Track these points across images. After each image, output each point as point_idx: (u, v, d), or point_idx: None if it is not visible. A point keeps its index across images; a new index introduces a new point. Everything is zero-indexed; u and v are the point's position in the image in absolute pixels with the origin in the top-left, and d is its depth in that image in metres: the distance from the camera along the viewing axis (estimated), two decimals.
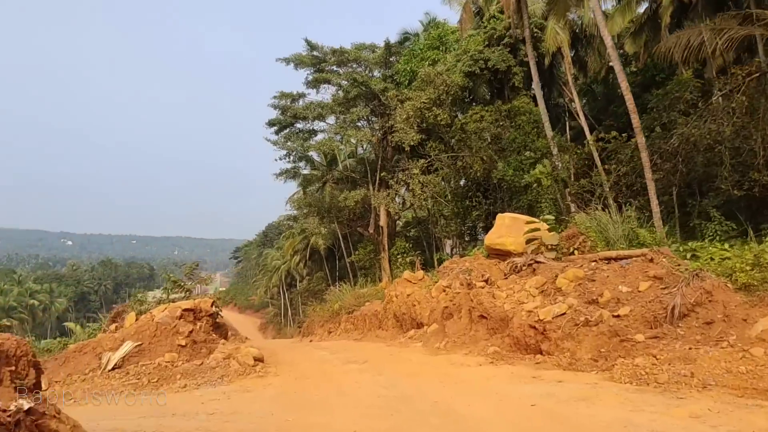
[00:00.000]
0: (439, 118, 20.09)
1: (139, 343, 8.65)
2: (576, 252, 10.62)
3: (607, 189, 14.93)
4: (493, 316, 9.02)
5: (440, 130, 21.65)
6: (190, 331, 8.90)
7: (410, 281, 13.10)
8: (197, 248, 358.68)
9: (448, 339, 9.50)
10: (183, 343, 8.70)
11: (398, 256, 23.71)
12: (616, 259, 9.22)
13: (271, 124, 27.68)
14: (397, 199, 26.45)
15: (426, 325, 10.93)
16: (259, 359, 8.54)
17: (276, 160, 25.95)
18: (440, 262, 18.15)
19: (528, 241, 10.93)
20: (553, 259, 10.25)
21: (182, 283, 11.78)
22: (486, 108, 22.05)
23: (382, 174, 23.98)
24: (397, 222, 32.50)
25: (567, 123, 26.38)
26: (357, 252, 29.22)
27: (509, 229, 11.53)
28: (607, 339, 7.27)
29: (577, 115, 21.59)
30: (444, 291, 11.18)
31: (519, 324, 8.32)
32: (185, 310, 9.51)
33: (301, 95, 27.55)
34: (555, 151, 16.35)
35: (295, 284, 51.56)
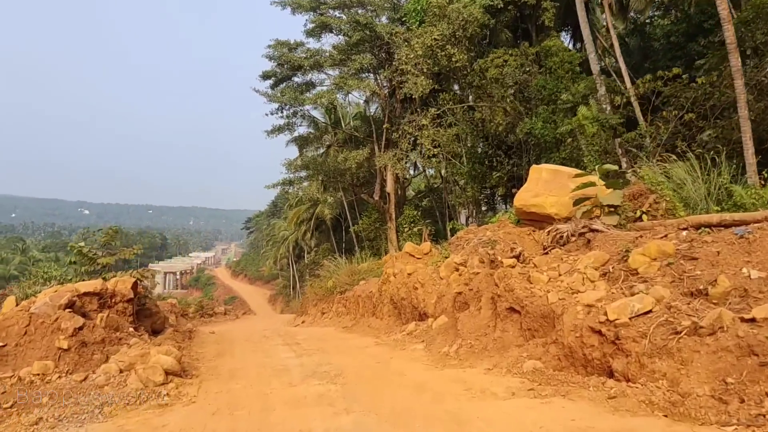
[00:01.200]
0: (454, 59, 16.64)
1: (2, 344, 5.85)
2: (645, 216, 7.50)
3: (652, 146, 11.74)
4: (529, 310, 6.00)
5: (456, 75, 18.22)
6: (79, 327, 6.05)
7: (413, 255, 10.10)
8: (213, 218, 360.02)
9: (462, 341, 6.53)
10: (65, 346, 5.87)
11: (406, 227, 20.70)
12: (718, 225, 6.10)
13: (265, 76, 24.56)
14: (407, 163, 23.34)
15: (431, 316, 7.97)
16: (173, 373, 5.68)
17: (266, 114, 22.83)
18: (453, 232, 15.08)
19: (576, 202, 7.80)
20: (616, 226, 7.15)
21: (94, 255, 8.82)
22: (510, 51, 18.57)
23: (386, 125, 20.70)
24: (407, 190, 29.45)
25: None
26: (361, 221, 26.23)
27: (548, 185, 8.38)
28: (736, 360, 4.22)
29: (614, 70, 17.91)
30: (457, 270, 8.17)
31: (573, 325, 5.31)
32: (85, 294, 6.66)
33: (299, 44, 24.34)
34: (602, 90, 12.89)
35: (303, 256, 49.15)
